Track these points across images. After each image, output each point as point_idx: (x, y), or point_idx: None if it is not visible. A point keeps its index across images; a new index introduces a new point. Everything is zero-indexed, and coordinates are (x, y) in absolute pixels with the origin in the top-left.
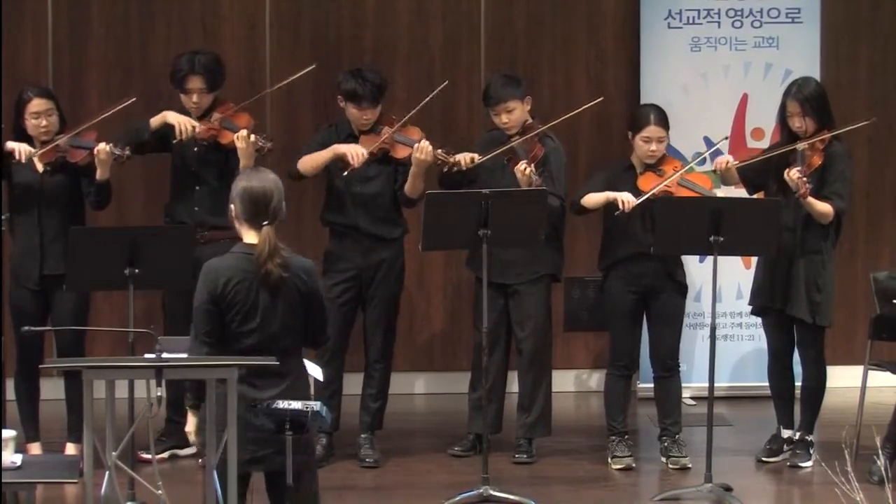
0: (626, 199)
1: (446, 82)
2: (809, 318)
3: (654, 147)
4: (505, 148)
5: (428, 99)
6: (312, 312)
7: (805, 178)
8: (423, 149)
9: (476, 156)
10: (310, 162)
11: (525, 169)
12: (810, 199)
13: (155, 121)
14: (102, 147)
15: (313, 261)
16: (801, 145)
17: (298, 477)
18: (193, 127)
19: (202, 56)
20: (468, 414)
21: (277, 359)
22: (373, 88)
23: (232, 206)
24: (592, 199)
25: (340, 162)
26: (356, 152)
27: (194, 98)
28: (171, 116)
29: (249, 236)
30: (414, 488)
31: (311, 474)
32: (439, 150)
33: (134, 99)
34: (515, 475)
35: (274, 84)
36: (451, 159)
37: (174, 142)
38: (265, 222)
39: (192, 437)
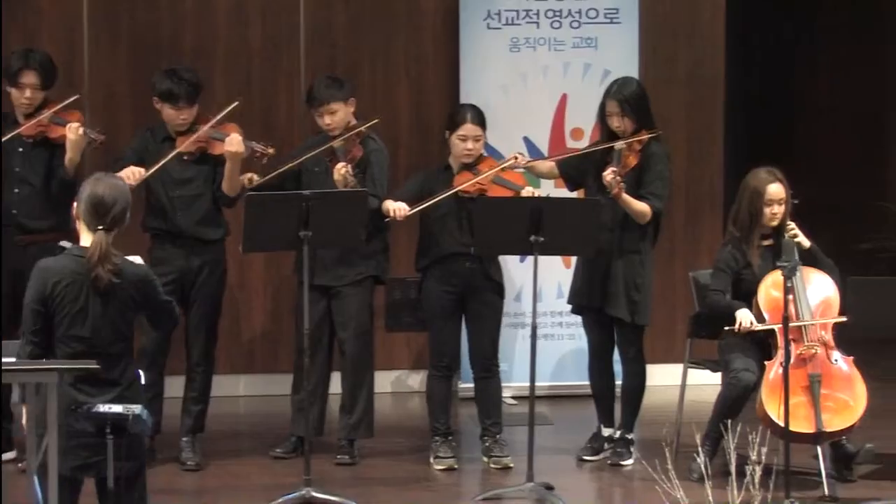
0: (397, 208)
1: (237, 103)
2: (628, 317)
3: (470, 145)
4: (324, 148)
5: (223, 114)
6: (156, 314)
7: (619, 178)
8: (233, 140)
9: (255, 176)
10: None
11: (341, 168)
12: (626, 199)
13: None
14: None
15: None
16: (618, 145)
17: (130, 484)
18: None
19: (37, 53)
20: (290, 416)
21: (106, 365)
22: (189, 87)
23: (75, 204)
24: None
25: None
26: (131, 173)
27: (27, 93)
28: None
29: (85, 238)
30: (236, 491)
31: (142, 481)
32: (254, 143)
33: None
34: (337, 477)
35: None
36: (270, 150)
37: None
38: (101, 227)
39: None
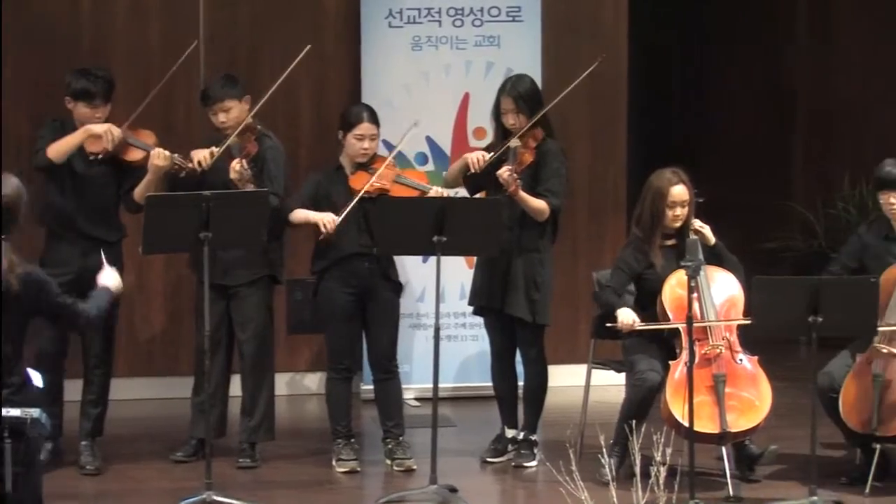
0: (327, 221)
1: (195, 43)
2: (529, 316)
3: (366, 145)
4: (223, 147)
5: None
6: (54, 317)
7: (515, 176)
8: (161, 154)
9: (215, 149)
10: (61, 147)
11: (236, 164)
12: (523, 196)
13: None
14: None
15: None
16: (513, 142)
17: (15, 488)
18: None
19: None
20: (190, 418)
21: None
22: (105, 85)
23: None
24: (298, 216)
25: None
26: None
27: None
28: None
29: None
30: (136, 495)
31: (31, 485)
32: (176, 155)
33: None
34: (239, 480)
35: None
36: (189, 164)
37: None
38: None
39: None
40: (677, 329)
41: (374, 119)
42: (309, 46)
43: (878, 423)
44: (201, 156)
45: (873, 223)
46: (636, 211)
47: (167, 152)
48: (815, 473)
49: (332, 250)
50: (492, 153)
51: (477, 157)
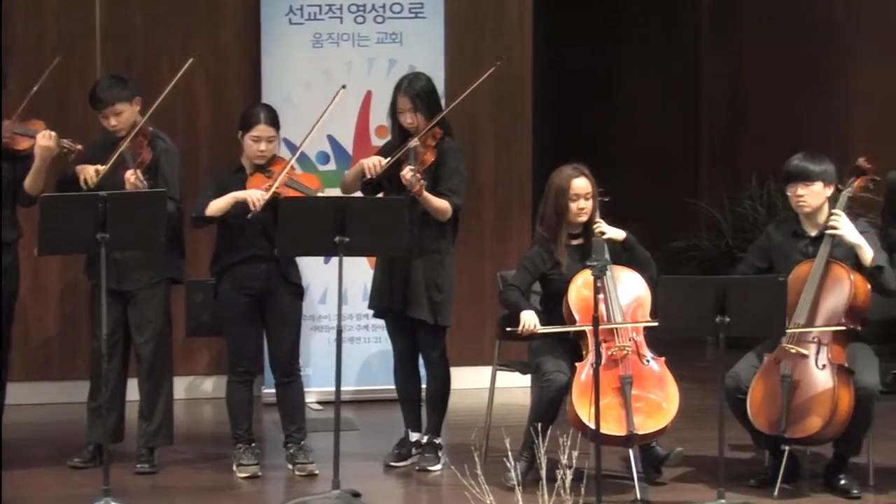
0: (256, 198)
1: (57, 59)
2: (430, 319)
3: (263, 147)
4: (110, 163)
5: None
6: None
7: (419, 176)
8: (47, 135)
9: (101, 167)
10: None
11: (131, 177)
12: (427, 196)
13: None
14: None
15: None
16: (412, 142)
17: None
18: None
19: None
20: (87, 423)
21: None
22: None
23: None
24: (217, 205)
25: None
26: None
27: None
28: None
29: None
30: (32, 502)
31: None
32: (64, 140)
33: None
34: (138, 486)
35: None
36: (78, 147)
37: None
38: None
39: None
40: (583, 330)
41: (272, 121)
42: (192, 60)
43: (787, 424)
44: (87, 174)
45: (782, 222)
46: (540, 210)
47: (54, 133)
48: (722, 475)
49: (231, 252)
50: (388, 158)
51: (373, 163)
